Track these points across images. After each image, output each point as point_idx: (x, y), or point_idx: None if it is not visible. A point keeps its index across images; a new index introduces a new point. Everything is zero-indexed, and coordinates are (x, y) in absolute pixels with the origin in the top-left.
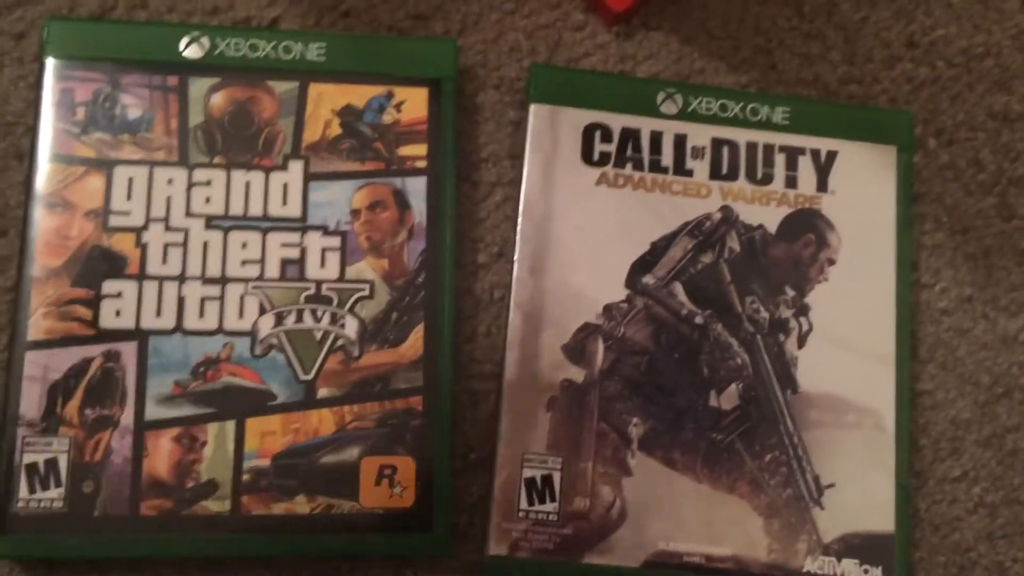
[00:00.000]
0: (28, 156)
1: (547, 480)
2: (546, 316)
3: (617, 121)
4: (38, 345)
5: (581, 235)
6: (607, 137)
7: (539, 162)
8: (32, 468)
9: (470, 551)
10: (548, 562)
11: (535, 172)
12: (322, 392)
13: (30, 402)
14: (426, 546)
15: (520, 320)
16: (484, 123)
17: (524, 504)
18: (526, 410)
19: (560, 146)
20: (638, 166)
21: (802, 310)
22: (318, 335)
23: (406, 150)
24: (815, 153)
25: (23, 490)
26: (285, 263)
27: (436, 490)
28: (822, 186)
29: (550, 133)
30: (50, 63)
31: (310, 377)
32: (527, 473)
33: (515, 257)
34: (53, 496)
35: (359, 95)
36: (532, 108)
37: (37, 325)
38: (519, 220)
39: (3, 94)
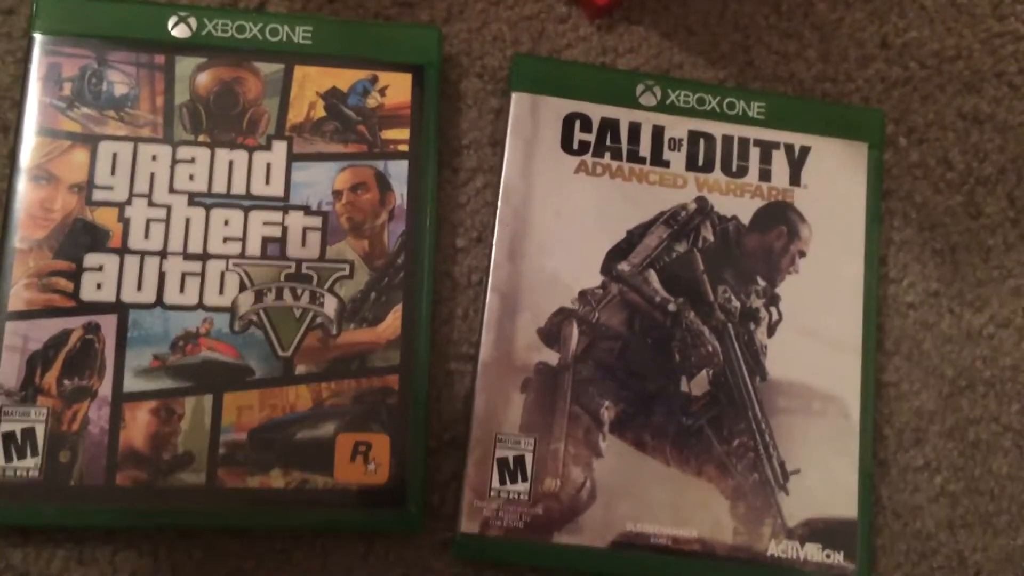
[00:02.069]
0: (13, 130)
1: (519, 460)
2: (522, 300)
3: (597, 111)
4: (19, 316)
5: (559, 222)
6: (587, 127)
7: (519, 149)
8: (9, 437)
9: (442, 528)
10: (518, 540)
11: (515, 159)
12: (300, 369)
13: (9, 372)
14: (398, 523)
15: (497, 303)
16: (466, 110)
17: (496, 483)
18: (500, 391)
19: (540, 134)
20: (616, 156)
21: (772, 300)
22: (297, 313)
23: (389, 134)
24: (789, 148)
25: None
26: (266, 241)
27: (410, 467)
28: (795, 180)
29: (531, 121)
30: (38, 38)
31: (288, 354)
32: (500, 453)
33: (493, 242)
34: (29, 465)
35: (344, 78)
36: (514, 96)
37: (18, 296)
38: (498, 206)
39: None
